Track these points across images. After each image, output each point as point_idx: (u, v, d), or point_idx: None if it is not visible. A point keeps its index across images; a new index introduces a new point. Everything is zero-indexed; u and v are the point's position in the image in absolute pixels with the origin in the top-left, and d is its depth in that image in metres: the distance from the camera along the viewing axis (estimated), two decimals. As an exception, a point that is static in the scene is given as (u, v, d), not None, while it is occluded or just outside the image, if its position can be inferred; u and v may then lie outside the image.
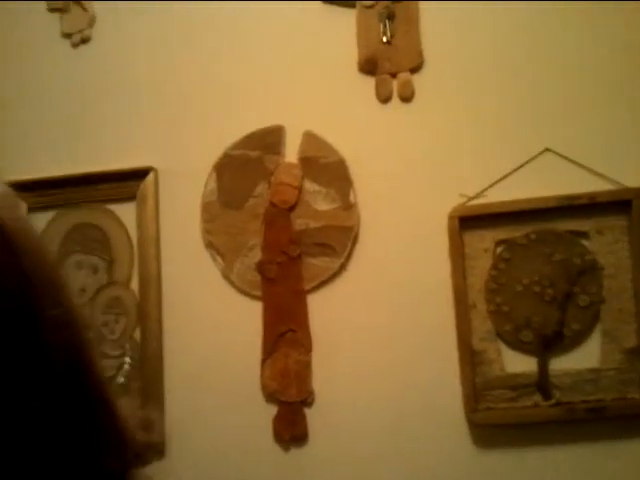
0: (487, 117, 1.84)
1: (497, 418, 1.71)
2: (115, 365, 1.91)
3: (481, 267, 1.78)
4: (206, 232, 1.90)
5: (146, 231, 1.93)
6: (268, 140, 1.90)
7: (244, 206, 1.89)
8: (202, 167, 1.92)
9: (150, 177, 1.94)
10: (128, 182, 1.95)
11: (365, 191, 1.85)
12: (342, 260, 1.83)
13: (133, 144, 1.98)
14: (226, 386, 1.85)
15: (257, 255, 1.86)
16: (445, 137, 1.85)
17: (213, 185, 1.91)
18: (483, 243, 1.79)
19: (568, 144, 1.79)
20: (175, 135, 1.96)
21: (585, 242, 1.75)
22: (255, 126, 1.91)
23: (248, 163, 1.90)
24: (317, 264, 1.84)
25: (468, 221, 1.78)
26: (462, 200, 1.80)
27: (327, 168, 1.86)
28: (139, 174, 1.94)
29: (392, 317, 1.80)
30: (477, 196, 1.80)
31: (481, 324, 1.76)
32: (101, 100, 2.01)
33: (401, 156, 1.85)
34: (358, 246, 1.84)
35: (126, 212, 1.96)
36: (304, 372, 1.81)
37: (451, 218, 1.78)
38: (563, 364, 1.72)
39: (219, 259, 1.88)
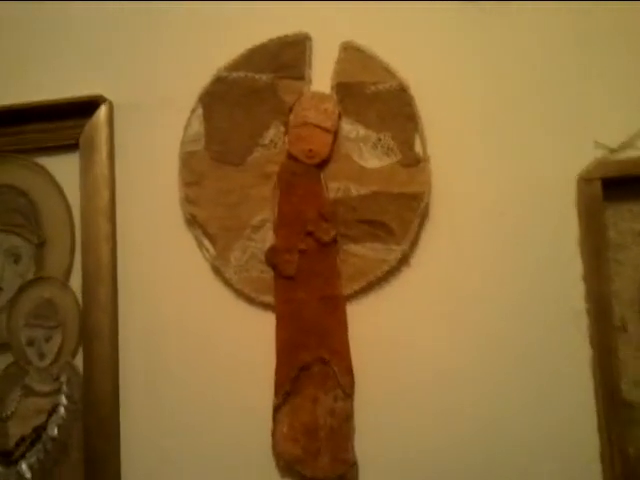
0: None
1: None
2: (45, 408, 1.22)
3: (635, 262, 1.09)
4: (187, 201, 1.20)
5: (95, 198, 1.24)
6: (285, 57, 1.20)
7: (247, 160, 1.19)
8: (181, 98, 1.22)
9: (101, 113, 1.25)
10: (67, 121, 1.26)
11: (441, 138, 1.15)
12: (403, 248, 1.14)
13: (76, 65, 1.28)
14: (217, 448, 1.16)
15: (268, 238, 1.17)
16: (570, 51, 1.14)
17: (198, 127, 1.21)
18: (637, 223, 1.09)
19: None
20: (139, 50, 1.26)
21: None
22: (265, 36, 1.21)
23: (253, 93, 1.20)
24: (363, 254, 1.15)
25: (612, 187, 1.08)
26: (600, 153, 1.10)
27: (379, 100, 1.16)
28: (84, 108, 1.25)
29: (484, 343, 1.11)
30: (625, 146, 1.10)
31: (636, 358, 1.07)
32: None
33: (497, 83, 1.15)
34: (429, 226, 1.15)
35: (64, 168, 1.27)
36: (342, 429, 1.12)
37: (584, 181, 1.09)
38: None
39: (208, 244, 1.19)
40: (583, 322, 1.08)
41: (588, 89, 1.13)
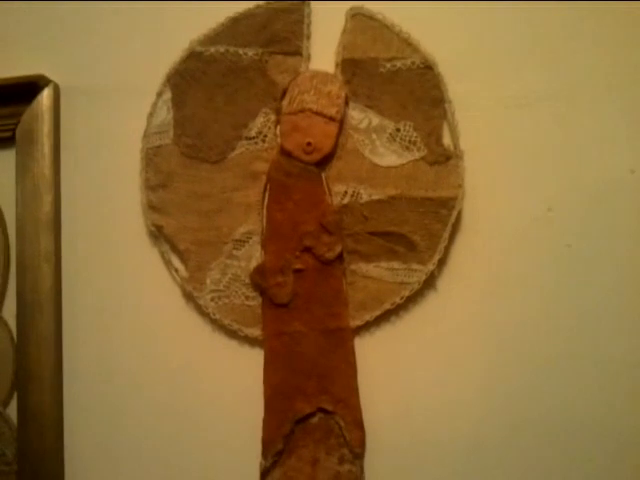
0: None
1: None
2: (-30, 468, 0.97)
3: None
4: (151, 209, 0.95)
5: (34, 205, 0.99)
6: (277, 26, 0.95)
7: (228, 157, 0.94)
8: (145, 79, 0.97)
9: (43, 98, 1.00)
10: (0, 108, 1.01)
11: (477, 128, 0.91)
12: (429, 268, 0.89)
13: (12, 39, 1.04)
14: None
15: (254, 256, 0.92)
16: None
17: (166, 115, 0.96)
18: None
19: None
20: (92, 21, 1.02)
21: None
22: (252, 1, 0.96)
23: (236, 72, 0.95)
24: (377, 275, 0.90)
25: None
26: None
27: (397, 81, 0.92)
28: (22, 92, 1.00)
29: (530, 394, 0.87)
30: None
31: None
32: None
33: (550, 58, 0.91)
34: (461, 240, 0.90)
35: (-3, 167, 1.02)
36: (350, 501, 0.87)
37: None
38: None
39: (177, 263, 0.95)
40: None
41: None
